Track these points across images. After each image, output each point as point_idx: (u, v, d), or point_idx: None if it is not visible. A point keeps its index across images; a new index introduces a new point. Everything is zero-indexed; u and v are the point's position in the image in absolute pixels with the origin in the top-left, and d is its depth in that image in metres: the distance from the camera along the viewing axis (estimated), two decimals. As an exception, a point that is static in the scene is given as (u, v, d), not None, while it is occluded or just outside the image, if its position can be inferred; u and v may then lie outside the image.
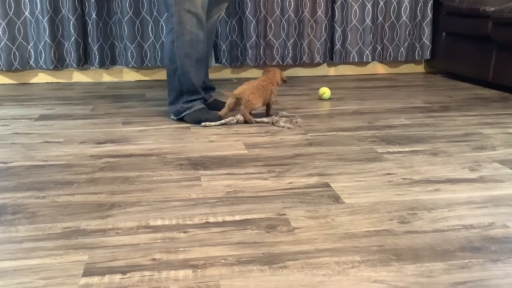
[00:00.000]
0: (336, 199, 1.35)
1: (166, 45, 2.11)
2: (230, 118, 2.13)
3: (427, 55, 3.45)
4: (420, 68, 3.61)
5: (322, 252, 1.07)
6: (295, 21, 3.27)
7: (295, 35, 3.29)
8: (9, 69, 3.08)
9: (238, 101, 2.11)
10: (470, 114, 2.31)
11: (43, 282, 0.96)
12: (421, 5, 3.37)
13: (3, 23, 3.00)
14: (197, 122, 2.13)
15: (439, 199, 1.35)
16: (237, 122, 2.14)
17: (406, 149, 1.79)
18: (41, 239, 1.13)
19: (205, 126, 2.10)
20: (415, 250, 1.08)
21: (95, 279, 0.97)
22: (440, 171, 1.57)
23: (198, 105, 2.15)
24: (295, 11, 3.25)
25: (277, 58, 3.30)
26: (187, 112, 2.14)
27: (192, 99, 2.14)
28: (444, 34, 3.33)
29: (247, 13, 3.18)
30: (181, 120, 2.18)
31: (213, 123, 2.11)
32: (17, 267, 1.02)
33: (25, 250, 1.09)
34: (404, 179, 1.50)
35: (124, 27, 3.11)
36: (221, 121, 2.11)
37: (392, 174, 1.54)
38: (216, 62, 3.30)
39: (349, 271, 1.00)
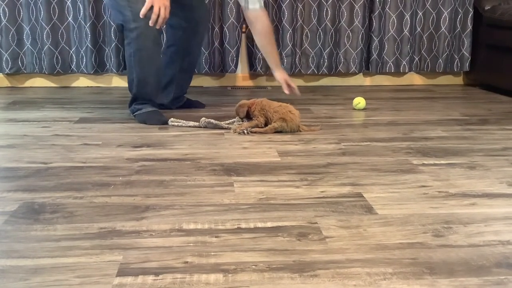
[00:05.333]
0: (369, 209, 1.34)
1: (126, 56, 2.28)
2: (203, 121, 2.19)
3: (466, 67, 3.39)
4: (459, 80, 3.55)
5: (354, 262, 1.07)
6: (332, 30, 3.26)
7: (331, 44, 3.28)
8: (52, 72, 3.18)
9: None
10: (510, 128, 2.25)
11: (79, 280, 0.99)
12: (461, 16, 3.32)
13: (47, 28, 3.10)
14: (144, 123, 2.29)
15: (475, 214, 1.32)
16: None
17: (442, 162, 1.76)
18: (78, 238, 1.17)
19: (172, 124, 2.25)
20: (449, 264, 1.06)
21: (129, 279, 1.00)
22: (477, 185, 1.54)
23: (148, 107, 2.32)
24: (332, 21, 3.25)
25: (312, 67, 3.30)
26: (137, 112, 2.32)
27: (144, 102, 2.32)
28: (484, 46, 3.27)
29: (283, 22, 3.19)
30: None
31: (181, 122, 2.24)
32: (54, 265, 1.05)
33: (62, 248, 1.12)
34: (439, 192, 1.48)
35: (162, 34, 3.17)
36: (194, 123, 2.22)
37: (427, 186, 1.52)
38: (251, 70, 3.32)
39: (381, 282, 0.99)
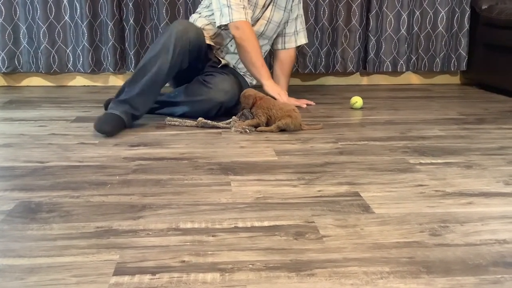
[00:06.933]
0: (366, 208, 1.35)
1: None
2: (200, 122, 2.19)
3: (463, 66, 3.40)
4: (456, 79, 3.55)
5: (351, 261, 1.07)
6: (329, 29, 3.26)
7: (328, 44, 3.28)
8: (48, 71, 3.17)
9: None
10: (506, 127, 2.26)
11: (75, 280, 0.99)
12: (458, 15, 3.32)
13: (44, 27, 3.09)
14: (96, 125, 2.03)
15: (472, 213, 1.33)
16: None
17: (439, 161, 1.76)
18: (75, 238, 1.16)
19: (168, 123, 2.23)
20: (446, 263, 1.06)
21: (126, 279, 0.99)
22: (473, 184, 1.54)
23: (115, 110, 2.08)
24: (329, 20, 3.25)
25: (310, 66, 3.30)
26: (108, 111, 2.11)
27: (123, 100, 2.11)
28: (481, 45, 3.27)
29: (281, 21, 3.19)
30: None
31: (176, 122, 2.22)
32: (50, 264, 1.05)
33: (58, 247, 1.12)
34: (436, 191, 1.48)
35: (160, 32, 3.17)
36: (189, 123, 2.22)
37: (424, 185, 1.52)
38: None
39: (378, 281, 0.99)
